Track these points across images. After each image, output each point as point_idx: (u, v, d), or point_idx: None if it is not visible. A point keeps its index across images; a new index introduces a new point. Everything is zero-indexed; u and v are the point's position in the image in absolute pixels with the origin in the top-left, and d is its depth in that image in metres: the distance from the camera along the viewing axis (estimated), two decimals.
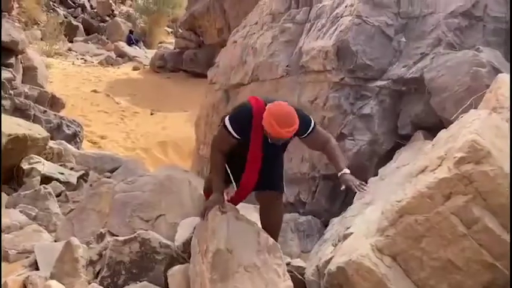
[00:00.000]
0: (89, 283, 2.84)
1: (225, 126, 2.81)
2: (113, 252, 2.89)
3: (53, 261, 2.99)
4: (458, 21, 4.91)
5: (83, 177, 5.40)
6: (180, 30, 19.09)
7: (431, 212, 2.50)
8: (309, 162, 5.34)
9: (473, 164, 2.42)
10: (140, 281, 2.86)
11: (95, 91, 13.00)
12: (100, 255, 3.04)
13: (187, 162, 8.82)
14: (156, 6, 24.51)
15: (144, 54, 19.91)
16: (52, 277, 2.87)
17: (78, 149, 6.98)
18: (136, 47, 20.97)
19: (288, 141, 2.94)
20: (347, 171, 2.79)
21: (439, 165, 2.59)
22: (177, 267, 2.82)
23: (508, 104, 3.20)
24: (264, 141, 2.81)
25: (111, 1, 28.45)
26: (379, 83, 4.98)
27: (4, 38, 8.00)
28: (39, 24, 21.69)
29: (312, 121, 2.91)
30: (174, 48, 18.34)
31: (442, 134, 3.07)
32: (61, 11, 24.55)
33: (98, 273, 2.93)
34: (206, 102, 8.16)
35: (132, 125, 10.73)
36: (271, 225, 3.02)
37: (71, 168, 5.51)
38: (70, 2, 26.04)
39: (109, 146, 9.10)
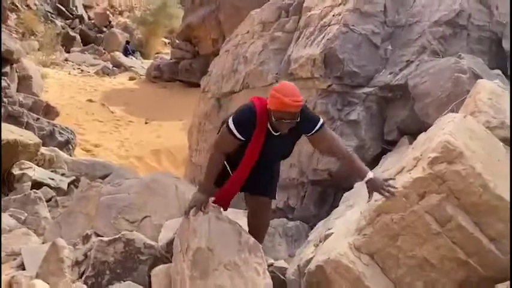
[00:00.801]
0: (74, 283, 2.88)
1: (228, 127, 2.73)
2: (98, 253, 2.94)
3: (39, 262, 3.04)
4: (442, 29, 5.04)
5: (74, 183, 5.45)
6: (176, 41, 19.27)
7: (407, 211, 2.56)
8: (298, 168, 5.42)
9: (446, 163, 2.49)
10: (124, 281, 2.90)
11: (90, 100, 13.09)
12: (85, 255, 3.09)
13: (181, 170, 8.87)
14: (153, 18, 24.77)
15: (141, 65, 20.08)
16: (37, 277, 2.91)
17: (71, 156, 7.03)
18: (133, 58, 21.13)
19: (293, 140, 2.87)
20: (371, 175, 2.69)
21: (415, 166, 2.66)
22: (160, 267, 2.87)
23: (485, 108, 3.30)
24: (266, 140, 2.76)
25: (108, 12, 28.73)
26: (366, 89, 5.08)
27: None
28: (36, 35, 21.86)
29: (321, 119, 2.82)
30: (171, 59, 18.49)
31: (421, 136, 3.15)
32: (59, 22, 24.75)
33: (83, 273, 2.97)
34: (199, 111, 8.25)
35: (127, 134, 10.80)
36: (258, 229, 3.07)
37: (62, 174, 5.56)
38: (68, 13, 26.26)
39: (103, 154, 9.15)
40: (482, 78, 4.05)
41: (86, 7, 28.28)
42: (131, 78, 17.59)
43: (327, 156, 3.30)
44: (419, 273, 2.61)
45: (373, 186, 2.68)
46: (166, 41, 26.12)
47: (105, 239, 2.97)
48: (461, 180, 2.47)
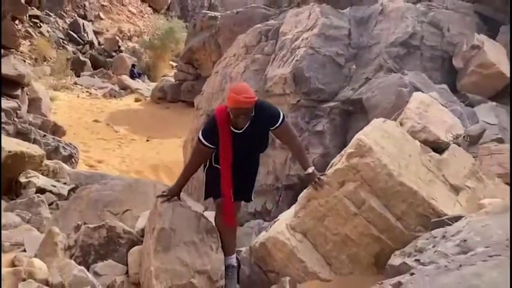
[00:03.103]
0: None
1: (198, 139, 3.16)
2: (85, 237, 3.55)
3: (38, 246, 3.67)
4: (397, 49, 5.72)
5: (73, 190, 6.09)
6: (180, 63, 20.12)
7: (330, 196, 3.16)
8: (273, 175, 6.05)
9: (359, 157, 3.10)
10: (106, 260, 3.50)
11: (96, 121, 13.85)
12: (75, 241, 3.70)
13: None
14: (160, 42, 25.73)
15: (147, 87, 20.90)
16: (35, 257, 3.53)
17: (73, 169, 7.71)
18: (139, 80, 22.00)
19: (261, 134, 3.19)
20: (310, 170, 3.20)
21: (339, 161, 3.27)
22: (134, 248, 3.47)
23: (412, 116, 3.91)
24: (234, 138, 3.07)
25: (118, 38, 29.87)
26: (330, 104, 5.74)
27: (11, 72, 8.92)
28: (49, 60, 22.92)
29: (282, 113, 3.15)
30: (175, 81, 19.30)
31: None
32: (70, 47, 25.84)
33: (73, 254, 3.59)
34: (192, 127, 8.96)
35: (128, 151, 11.49)
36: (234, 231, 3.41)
37: (64, 183, 6.22)
38: (79, 39, 27.39)
39: (105, 169, 9.82)
40: (422, 91, 4.67)
41: (97, 33, 29.42)
42: (137, 100, 18.41)
43: (285, 145, 3.63)
44: (343, 248, 3.19)
45: (309, 179, 3.26)
46: (174, 64, 27.00)
47: (91, 225, 3.59)
48: (370, 170, 3.07)
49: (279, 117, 3.13)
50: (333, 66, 5.86)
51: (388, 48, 5.69)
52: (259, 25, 7.59)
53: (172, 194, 3.38)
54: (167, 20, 29.92)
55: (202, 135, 3.15)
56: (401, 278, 2.35)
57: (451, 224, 2.78)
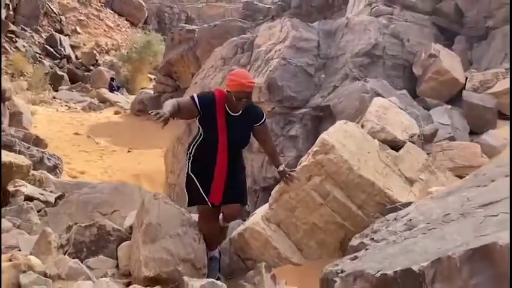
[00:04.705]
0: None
1: (191, 96, 3.21)
2: (77, 235, 3.86)
3: (32, 246, 3.95)
4: (362, 59, 6.22)
5: (60, 198, 6.33)
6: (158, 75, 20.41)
7: (299, 189, 3.56)
8: (251, 178, 6.43)
9: (323, 154, 3.52)
10: (97, 256, 3.81)
11: (76, 133, 14.01)
12: (68, 240, 4.01)
13: (159, 191, 9.77)
14: (138, 55, 25.99)
15: (126, 100, 21.09)
16: (31, 255, 3.82)
17: (58, 178, 7.93)
18: (118, 93, 22.17)
19: (248, 125, 3.30)
20: (281, 168, 3.51)
21: (307, 158, 3.68)
22: (124, 243, 3.80)
23: (372, 118, 4.36)
24: (227, 120, 3.18)
25: (95, 51, 29.97)
26: (302, 110, 6.19)
27: None
28: (25, 75, 22.90)
29: (265, 115, 3.41)
30: (154, 93, 19.58)
31: None
32: (47, 62, 25.84)
33: (66, 251, 3.89)
34: (173, 136, 9.29)
35: (110, 162, 11.71)
36: (221, 232, 3.71)
37: (51, 191, 6.45)
38: (56, 54, 27.40)
39: (88, 179, 10.02)
40: (383, 96, 5.15)
41: (74, 47, 29.46)
42: (116, 113, 18.59)
43: (260, 145, 3.75)
44: (312, 235, 3.59)
45: (281, 175, 3.66)
46: (152, 76, 27.24)
47: (83, 224, 3.90)
48: (333, 165, 3.50)
49: (263, 116, 3.40)
50: (303, 76, 6.32)
51: (353, 58, 6.18)
52: (235, 38, 8.02)
53: (164, 115, 2.98)
54: (145, 33, 30.22)
55: (197, 96, 3.22)
56: (358, 253, 2.76)
57: (402, 209, 3.22)
